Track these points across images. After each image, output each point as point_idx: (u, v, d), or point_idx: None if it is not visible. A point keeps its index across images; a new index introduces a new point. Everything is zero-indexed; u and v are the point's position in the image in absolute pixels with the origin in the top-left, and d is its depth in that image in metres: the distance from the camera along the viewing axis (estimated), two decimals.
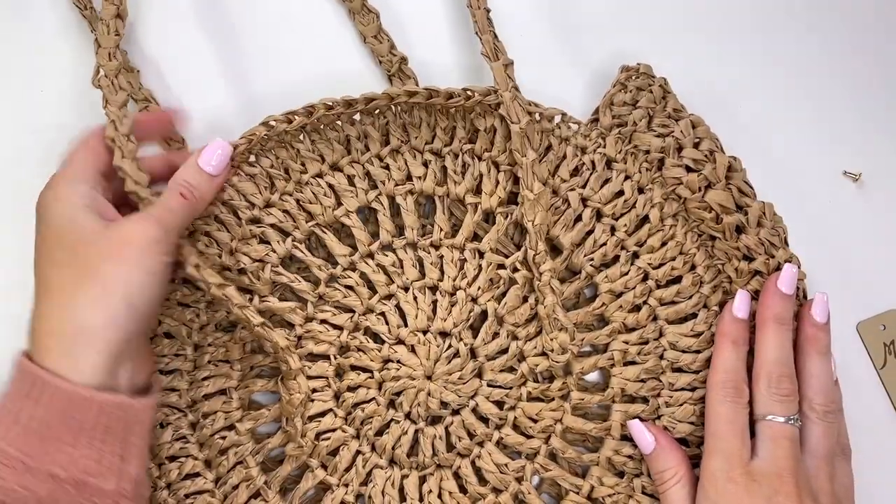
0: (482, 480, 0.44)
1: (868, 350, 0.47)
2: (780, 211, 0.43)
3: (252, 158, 0.45)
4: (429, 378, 0.44)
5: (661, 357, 0.44)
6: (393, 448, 0.43)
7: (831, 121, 0.48)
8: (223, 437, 0.44)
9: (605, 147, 0.44)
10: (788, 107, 0.48)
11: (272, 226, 0.45)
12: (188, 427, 0.44)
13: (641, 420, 0.43)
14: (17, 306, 0.44)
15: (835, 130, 0.46)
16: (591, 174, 0.44)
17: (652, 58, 0.45)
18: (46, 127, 0.47)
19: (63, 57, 0.48)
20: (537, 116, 0.44)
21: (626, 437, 0.44)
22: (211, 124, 0.47)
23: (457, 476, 0.44)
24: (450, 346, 0.44)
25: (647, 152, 0.44)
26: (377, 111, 0.45)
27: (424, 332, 0.44)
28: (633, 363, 0.44)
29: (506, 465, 0.43)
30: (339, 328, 0.44)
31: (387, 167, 0.45)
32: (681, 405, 0.43)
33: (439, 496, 0.43)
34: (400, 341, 0.44)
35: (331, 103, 0.43)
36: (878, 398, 0.47)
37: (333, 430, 0.44)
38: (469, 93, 0.44)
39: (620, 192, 0.44)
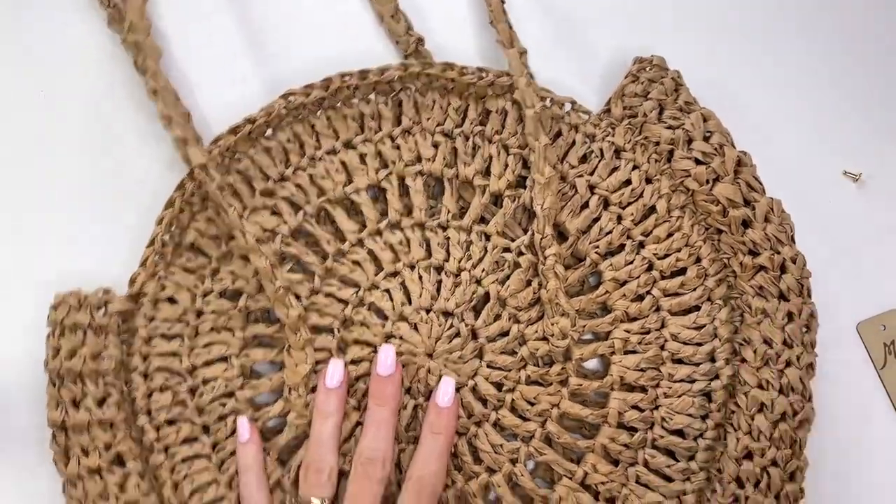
0: (477, 459, 0.44)
1: (868, 350, 0.47)
2: None
3: (269, 132, 0.46)
4: (430, 356, 0.44)
5: (662, 347, 0.44)
6: None
7: (831, 121, 0.48)
8: (222, 404, 0.44)
9: (614, 136, 0.44)
10: (788, 107, 0.49)
11: (284, 198, 0.45)
12: (187, 392, 0.44)
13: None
14: (19, 308, 0.46)
15: (835, 130, 0.46)
16: (599, 162, 0.45)
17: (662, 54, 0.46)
18: (47, 127, 0.48)
19: (63, 56, 0.49)
20: (548, 103, 0.45)
21: (623, 425, 0.44)
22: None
23: (452, 454, 0.44)
24: (451, 325, 0.44)
25: (657, 144, 0.44)
26: (392, 92, 0.46)
27: (427, 311, 0.44)
28: (633, 352, 0.44)
29: (501, 445, 0.44)
30: (344, 302, 0.45)
31: (398, 147, 0.46)
32: (679, 397, 0.44)
33: None
34: (403, 318, 0.44)
35: (346, 74, 0.44)
36: (878, 398, 0.46)
37: None
38: (483, 73, 0.45)
39: (628, 182, 0.44)
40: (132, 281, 0.45)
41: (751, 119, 0.46)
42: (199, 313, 0.45)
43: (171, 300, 0.45)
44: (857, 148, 0.44)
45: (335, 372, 0.43)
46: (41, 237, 0.48)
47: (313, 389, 0.44)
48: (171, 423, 0.44)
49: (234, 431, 0.44)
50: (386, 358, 0.43)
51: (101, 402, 0.44)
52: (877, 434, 0.46)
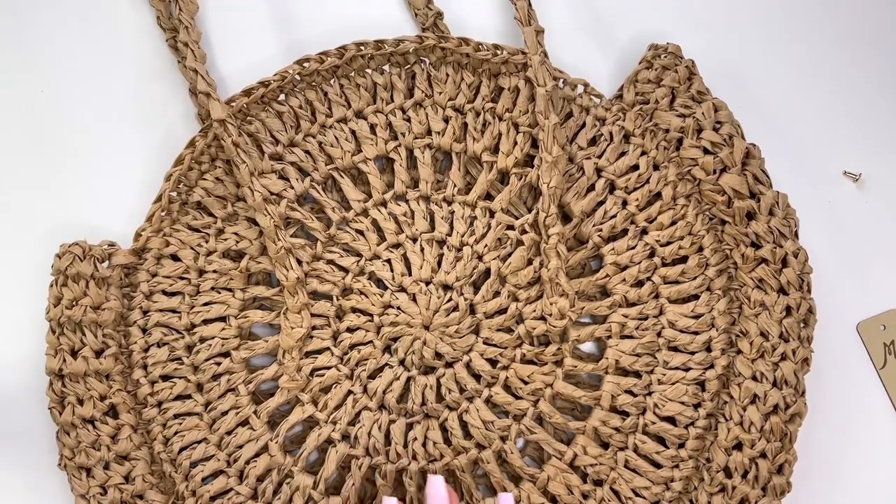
0: (467, 435, 0.44)
1: (868, 350, 0.46)
2: None
3: (282, 97, 0.46)
4: (426, 328, 0.44)
5: (659, 334, 0.44)
6: (384, 392, 0.44)
7: (831, 121, 0.48)
8: (218, 363, 0.45)
9: (624, 121, 0.45)
10: (788, 107, 0.49)
11: (293, 164, 0.46)
12: (184, 349, 0.45)
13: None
14: (19, 311, 0.46)
15: (835, 130, 0.46)
16: (608, 145, 0.45)
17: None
18: (47, 127, 0.49)
19: (64, 57, 0.49)
20: (561, 84, 0.45)
21: (615, 409, 0.44)
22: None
23: (443, 428, 0.44)
24: (450, 299, 0.44)
25: (667, 131, 0.44)
26: (406, 64, 0.46)
27: (427, 283, 0.44)
28: (629, 337, 0.44)
29: (492, 422, 0.44)
30: (345, 270, 0.45)
31: (408, 120, 0.46)
32: (673, 384, 0.44)
33: (423, 444, 0.44)
34: (402, 289, 0.45)
35: (362, 44, 0.44)
36: (878, 398, 0.46)
37: (328, 368, 0.44)
38: (498, 50, 0.45)
39: (635, 167, 0.44)
40: (137, 235, 0.45)
41: (752, 119, 0.46)
42: (202, 272, 0.45)
43: (175, 257, 0.45)
44: (857, 148, 0.44)
45: None
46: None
47: (307, 354, 0.44)
48: (165, 378, 0.45)
49: (227, 391, 0.44)
50: (437, 492, 0.39)
51: (98, 353, 0.44)
52: (877, 434, 0.46)
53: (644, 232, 0.44)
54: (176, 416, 0.44)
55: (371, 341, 0.44)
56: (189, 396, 0.45)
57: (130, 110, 0.49)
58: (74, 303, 0.44)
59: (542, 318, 0.44)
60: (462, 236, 0.45)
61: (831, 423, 0.46)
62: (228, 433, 0.44)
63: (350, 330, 0.45)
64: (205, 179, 0.45)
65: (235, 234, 0.45)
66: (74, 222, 0.47)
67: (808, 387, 0.43)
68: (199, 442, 0.44)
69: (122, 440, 0.43)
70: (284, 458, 0.44)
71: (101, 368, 0.44)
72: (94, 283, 0.44)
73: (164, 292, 0.45)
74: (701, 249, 0.44)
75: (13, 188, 0.48)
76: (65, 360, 0.43)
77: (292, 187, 0.45)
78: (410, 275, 0.45)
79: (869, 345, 0.46)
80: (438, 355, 0.44)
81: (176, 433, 0.44)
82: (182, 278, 0.45)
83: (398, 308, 0.44)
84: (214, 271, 0.45)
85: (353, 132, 0.46)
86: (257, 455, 0.44)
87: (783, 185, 0.43)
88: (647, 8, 0.49)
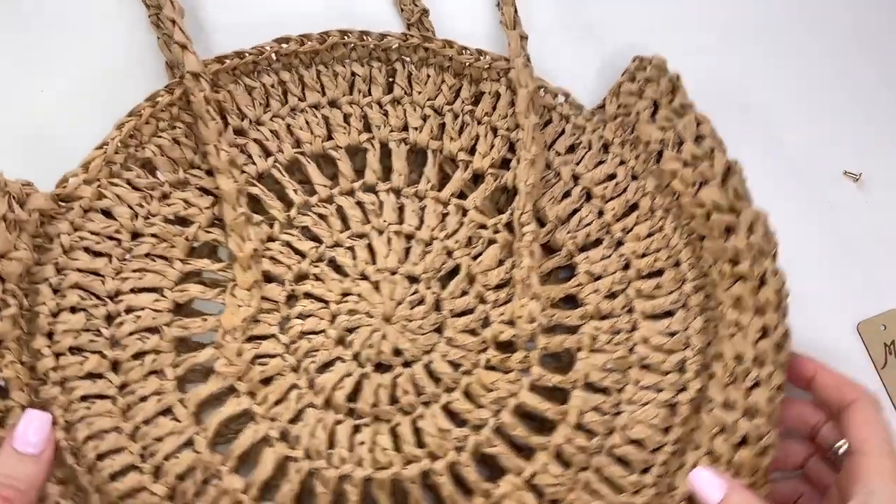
0: (420, 443, 0.39)
1: (868, 350, 0.45)
2: (781, 210, 0.42)
3: (255, 73, 0.44)
4: (387, 320, 0.40)
5: (631, 350, 0.42)
6: (333, 389, 0.39)
7: (831, 121, 0.49)
8: (143, 340, 0.39)
9: (604, 130, 0.44)
10: (788, 107, 0.50)
11: (256, 141, 0.43)
12: (103, 319, 0.39)
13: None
14: None
15: (835, 130, 0.47)
16: (586, 153, 0.44)
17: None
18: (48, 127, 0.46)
19: (65, 56, 0.47)
20: (542, 92, 0.45)
21: (582, 427, 0.40)
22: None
23: (394, 433, 0.39)
24: (416, 291, 0.41)
25: (648, 143, 0.44)
26: (388, 60, 0.45)
27: (393, 272, 0.41)
28: (601, 351, 0.42)
29: (448, 431, 0.39)
30: (302, 255, 0.41)
31: (385, 114, 0.44)
32: (643, 405, 0.41)
33: (370, 450, 0.39)
34: (364, 277, 0.41)
35: (346, 33, 0.43)
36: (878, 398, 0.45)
37: (272, 357, 0.39)
38: (481, 55, 0.44)
39: (613, 175, 0.44)
40: (63, 180, 0.40)
41: (752, 119, 0.47)
42: (136, 235, 0.40)
43: (107, 213, 0.40)
44: (857, 148, 0.45)
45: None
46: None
47: (249, 339, 0.40)
48: (75, 351, 0.38)
49: (150, 373, 0.39)
50: None
51: None
52: None
53: (620, 242, 0.43)
54: (83, 399, 0.38)
55: (324, 331, 0.40)
56: (101, 376, 0.38)
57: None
58: None
59: (511, 323, 0.41)
60: (432, 230, 0.42)
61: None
62: (146, 422, 0.38)
63: (302, 317, 0.40)
64: (160, 137, 0.42)
65: (184, 199, 0.41)
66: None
67: None
68: (108, 431, 0.38)
69: (9, 425, 0.36)
70: (212, 455, 0.38)
71: None
72: (4, 226, 0.37)
73: (88, 250, 0.40)
74: (678, 264, 0.43)
75: None
76: None
77: (254, 163, 0.42)
78: (375, 263, 0.41)
79: (869, 345, 0.45)
80: (398, 352, 0.40)
81: (82, 419, 0.38)
82: (112, 238, 0.40)
83: (359, 295, 0.40)
84: (154, 235, 0.40)
85: (325, 119, 0.44)
86: (179, 450, 0.38)
87: (783, 185, 0.43)
88: (637, 20, 0.50)
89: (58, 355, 0.38)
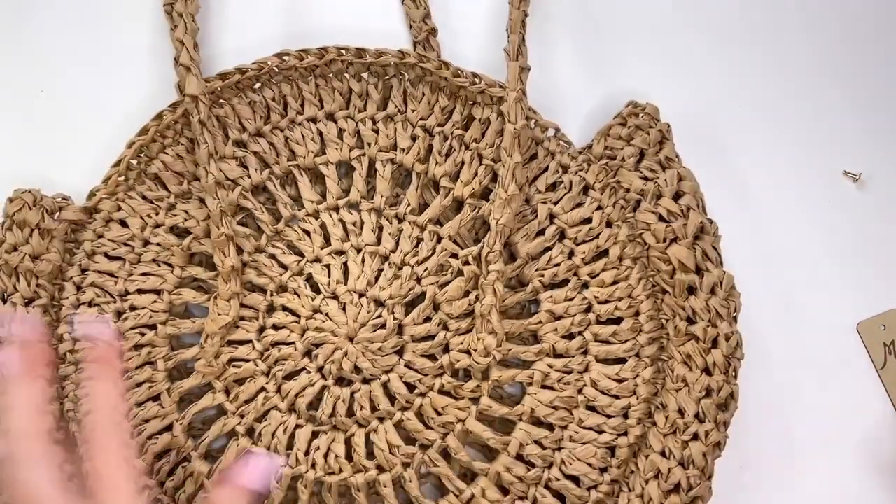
0: (371, 454, 0.44)
1: (868, 350, 0.46)
2: (781, 211, 0.42)
3: (258, 86, 0.46)
4: (350, 340, 0.44)
5: (580, 391, 0.43)
6: (296, 396, 0.44)
7: (831, 121, 0.47)
8: (142, 334, 0.45)
9: (587, 172, 0.44)
10: (788, 107, 0.48)
11: (255, 153, 0.46)
12: (114, 314, 0.45)
13: None
14: None
15: (835, 130, 0.45)
16: (566, 193, 0.44)
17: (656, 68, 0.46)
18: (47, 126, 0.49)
19: (64, 56, 0.50)
20: (532, 124, 0.45)
21: (522, 458, 0.43)
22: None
23: (348, 443, 0.44)
24: (380, 315, 0.44)
25: (628, 190, 0.44)
26: (385, 76, 0.46)
27: (361, 295, 0.44)
28: (550, 388, 0.44)
29: (398, 447, 0.43)
30: (285, 267, 0.45)
31: (377, 131, 0.46)
32: (584, 444, 0.43)
33: (325, 456, 0.43)
34: (335, 296, 0.44)
35: (343, 49, 0.45)
36: (878, 398, 0.46)
37: (247, 361, 0.44)
38: (477, 79, 0.45)
39: (589, 220, 0.44)
40: (91, 195, 0.46)
41: (752, 119, 0.45)
42: (146, 242, 0.45)
43: (123, 223, 0.46)
44: (857, 148, 0.43)
45: None
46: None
47: (229, 343, 0.44)
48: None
49: (146, 363, 0.44)
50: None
51: (28, 302, 0.44)
52: (877, 434, 0.45)
53: (585, 286, 0.44)
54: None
55: (294, 342, 0.44)
56: None
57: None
58: (14, 248, 0.44)
59: (468, 352, 0.44)
60: (405, 255, 0.45)
61: (832, 424, 0.46)
62: (138, 405, 0.44)
63: (276, 327, 0.44)
64: (166, 153, 0.46)
65: (185, 211, 0.45)
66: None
67: (809, 387, 0.44)
68: None
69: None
70: (186, 440, 0.43)
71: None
72: (38, 233, 0.44)
73: (107, 255, 0.45)
74: (637, 314, 0.43)
75: None
76: None
77: (249, 176, 0.45)
78: (346, 283, 0.44)
79: (869, 345, 0.46)
80: (357, 369, 0.44)
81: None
82: (126, 245, 0.45)
83: (326, 315, 0.44)
84: (158, 244, 0.45)
85: (320, 133, 0.46)
86: (161, 432, 0.44)
87: (783, 185, 0.43)
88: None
89: (75, 340, 0.44)
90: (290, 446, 0.43)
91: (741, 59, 0.49)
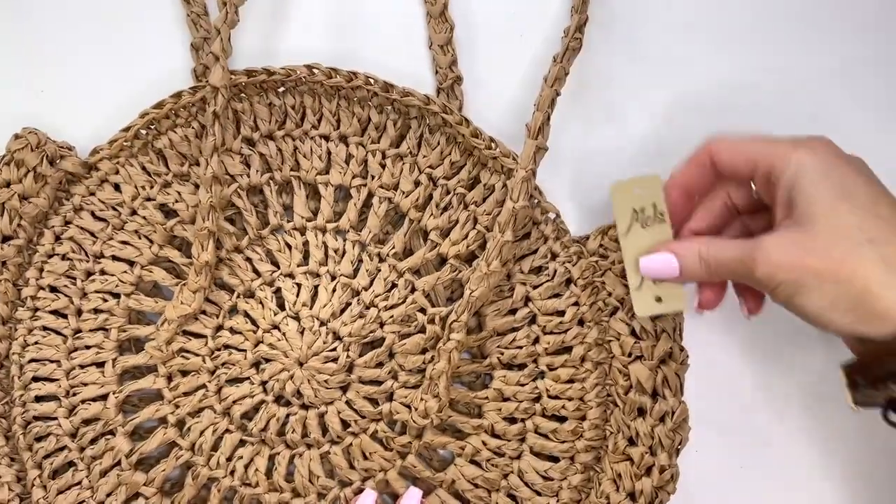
0: (289, 477, 0.44)
1: (615, 212, 0.42)
2: None
3: (281, 90, 0.46)
4: (300, 364, 0.44)
5: (506, 477, 0.43)
6: (234, 402, 0.44)
7: (831, 121, 0.46)
8: (104, 300, 0.45)
9: (574, 265, 0.44)
10: (788, 106, 0.47)
11: (261, 154, 0.46)
12: (83, 273, 0.45)
13: None
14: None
15: (834, 130, 0.44)
16: (547, 281, 0.44)
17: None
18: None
19: (64, 56, 0.49)
20: (534, 203, 0.44)
21: None
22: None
23: (272, 459, 0.44)
24: (335, 349, 0.44)
25: (609, 294, 0.43)
26: (406, 115, 0.46)
27: (322, 324, 0.44)
28: (477, 465, 0.43)
29: (318, 477, 0.43)
30: (258, 274, 0.45)
31: (384, 166, 0.46)
32: None
33: (246, 466, 0.44)
34: (297, 317, 0.44)
35: (372, 79, 0.44)
36: None
37: (196, 355, 0.44)
38: (493, 144, 0.44)
39: (562, 313, 0.44)
40: (94, 151, 0.46)
41: (752, 119, 0.45)
42: (133, 212, 0.45)
43: (117, 187, 0.46)
44: (856, 148, 0.42)
45: None
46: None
47: (185, 332, 0.45)
48: (52, 289, 0.45)
49: (100, 329, 0.45)
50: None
51: (4, 239, 0.45)
52: (877, 433, 0.45)
53: (541, 375, 0.44)
54: (45, 329, 0.45)
55: (245, 351, 0.44)
56: (65, 316, 0.45)
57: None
58: (7, 184, 0.44)
59: (410, 408, 0.44)
60: (376, 297, 0.44)
61: (831, 424, 0.46)
62: (82, 367, 0.45)
63: (232, 331, 0.45)
64: (175, 132, 0.46)
65: (179, 193, 0.45)
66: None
67: (805, 381, 0.46)
68: (51, 361, 0.45)
69: None
70: (116, 414, 0.44)
71: (1, 253, 0.44)
72: (33, 175, 0.44)
73: (93, 214, 0.46)
74: (583, 419, 0.43)
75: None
76: None
77: (249, 176, 0.46)
78: (311, 308, 0.44)
79: (617, 207, 0.41)
80: (300, 394, 0.44)
81: (36, 342, 0.45)
82: (114, 209, 0.45)
83: (283, 334, 0.44)
84: (144, 217, 0.45)
85: (329, 152, 0.46)
86: (94, 400, 0.44)
87: None
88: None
89: (39, 288, 0.45)
90: (214, 448, 0.44)
91: (740, 59, 0.49)
